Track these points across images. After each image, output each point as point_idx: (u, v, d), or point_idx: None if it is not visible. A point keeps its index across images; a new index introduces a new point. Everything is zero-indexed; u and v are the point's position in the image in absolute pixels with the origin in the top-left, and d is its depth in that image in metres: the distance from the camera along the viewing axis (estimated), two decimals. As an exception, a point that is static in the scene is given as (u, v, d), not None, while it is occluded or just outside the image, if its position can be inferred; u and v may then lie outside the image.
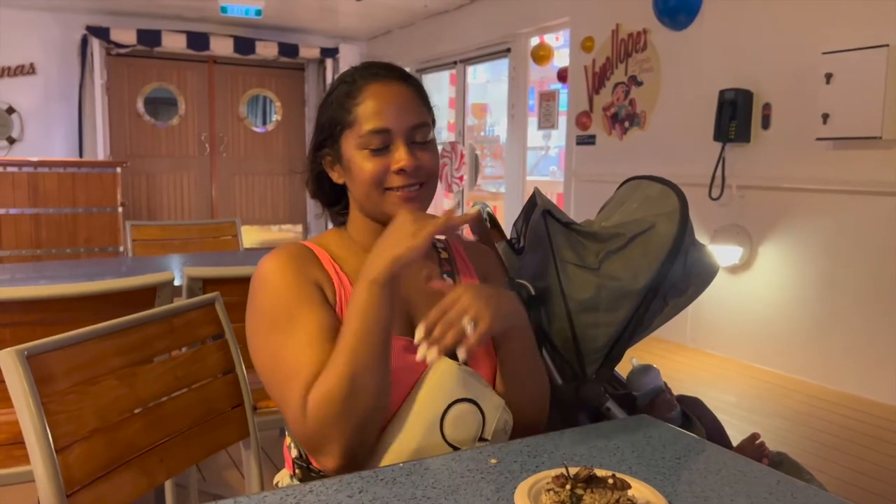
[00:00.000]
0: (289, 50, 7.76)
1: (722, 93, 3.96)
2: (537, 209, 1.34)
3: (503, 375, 1.10)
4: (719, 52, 4.12)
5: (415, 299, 1.08)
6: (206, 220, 7.17)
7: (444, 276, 1.13)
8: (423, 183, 1.05)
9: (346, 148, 1.05)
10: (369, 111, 1.02)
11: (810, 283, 3.72)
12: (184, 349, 1.36)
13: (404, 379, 1.00)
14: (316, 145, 1.10)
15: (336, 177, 1.09)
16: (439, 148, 1.07)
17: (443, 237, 1.23)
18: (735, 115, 3.90)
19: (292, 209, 8.57)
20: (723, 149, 4.01)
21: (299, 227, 8.70)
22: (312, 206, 8.42)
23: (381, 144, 1.02)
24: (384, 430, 0.99)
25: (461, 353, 0.94)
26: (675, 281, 1.26)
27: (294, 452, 1.08)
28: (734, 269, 4.06)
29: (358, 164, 1.03)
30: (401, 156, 1.02)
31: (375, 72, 1.06)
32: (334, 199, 1.14)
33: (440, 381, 1.00)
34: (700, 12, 4.22)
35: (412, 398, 1.00)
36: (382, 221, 1.05)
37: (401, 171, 1.02)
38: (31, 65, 6.98)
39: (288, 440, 1.11)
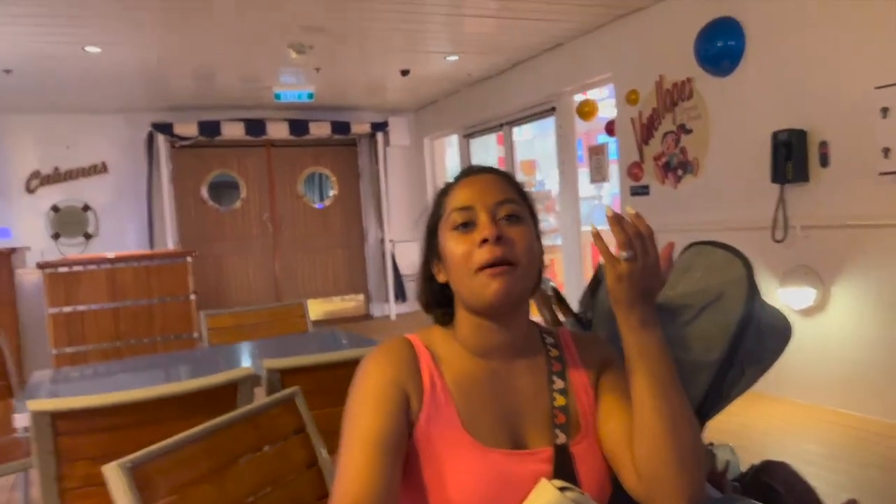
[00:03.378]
0: (341, 128, 8.06)
1: (775, 134, 3.92)
2: (603, 285, 1.35)
3: (636, 431, 1.00)
4: (768, 94, 4.10)
5: (518, 408, 1.05)
6: (275, 303, 7.34)
7: (554, 376, 1.09)
8: (513, 264, 1.00)
9: (442, 239, 1.07)
10: (457, 196, 1.06)
11: (892, 320, 3.57)
12: (266, 447, 1.40)
13: (505, 492, 0.98)
14: (425, 255, 1.12)
15: (441, 276, 1.09)
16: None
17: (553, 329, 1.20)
18: (790, 156, 3.84)
19: (353, 279, 8.76)
20: (782, 190, 3.95)
21: (361, 297, 8.87)
22: (373, 276, 8.64)
23: (466, 220, 1.03)
24: None
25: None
26: (750, 348, 1.25)
27: None
28: (808, 312, 3.93)
29: (449, 249, 1.04)
30: (483, 226, 1.01)
31: (468, 171, 1.11)
32: (444, 303, 1.12)
33: None
34: (743, 57, 4.22)
35: None
36: (480, 311, 1.04)
37: (483, 243, 1.00)
38: (104, 163, 7.46)
39: None
